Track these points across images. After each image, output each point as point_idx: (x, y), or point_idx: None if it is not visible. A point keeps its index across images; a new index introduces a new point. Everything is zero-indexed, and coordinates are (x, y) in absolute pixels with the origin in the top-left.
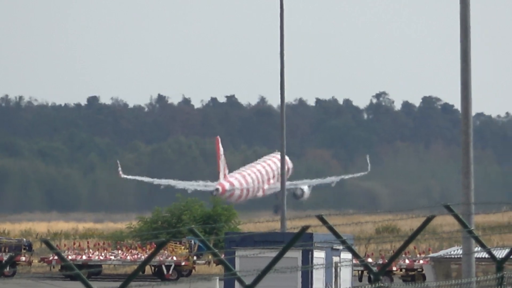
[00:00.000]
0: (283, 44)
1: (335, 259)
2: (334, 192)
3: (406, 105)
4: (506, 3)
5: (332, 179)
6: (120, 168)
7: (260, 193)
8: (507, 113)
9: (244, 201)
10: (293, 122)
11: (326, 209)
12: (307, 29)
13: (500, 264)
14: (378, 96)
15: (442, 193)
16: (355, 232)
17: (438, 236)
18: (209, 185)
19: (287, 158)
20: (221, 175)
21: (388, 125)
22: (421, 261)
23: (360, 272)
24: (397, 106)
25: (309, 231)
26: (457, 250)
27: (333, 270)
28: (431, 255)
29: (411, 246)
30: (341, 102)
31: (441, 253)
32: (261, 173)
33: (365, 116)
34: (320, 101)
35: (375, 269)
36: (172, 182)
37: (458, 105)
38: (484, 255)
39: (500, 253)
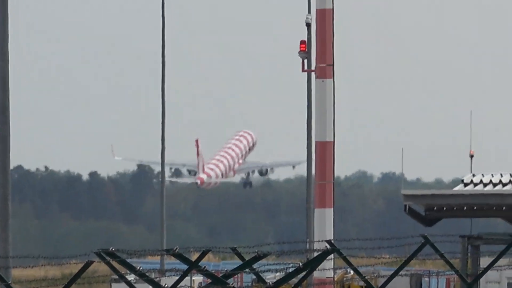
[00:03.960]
0: None
1: None
2: None
3: None
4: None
5: (296, 161)
6: None
7: (231, 174)
8: (46, 167)
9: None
10: None
11: None
12: None
13: None
14: None
15: None
16: None
17: None
18: (188, 165)
19: (251, 132)
20: (200, 170)
21: None
22: None
23: None
24: None
25: None
26: None
27: None
28: None
29: None
30: None
31: None
32: (232, 156)
33: None
34: None
35: None
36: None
37: None
38: None
39: None
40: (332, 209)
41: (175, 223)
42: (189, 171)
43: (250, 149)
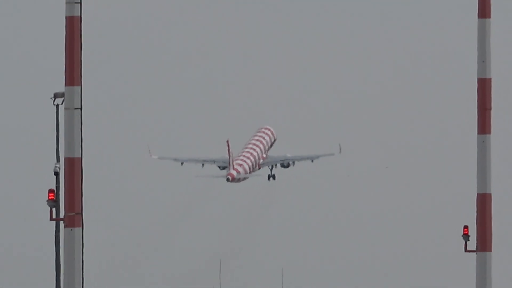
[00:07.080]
0: None
1: None
2: None
3: None
4: None
5: (311, 155)
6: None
7: (256, 168)
8: None
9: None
10: None
11: None
12: None
13: None
14: None
15: None
16: None
17: None
18: (217, 161)
19: (271, 128)
20: (230, 167)
21: None
22: None
23: None
24: None
25: None
26: None
27: None
28: None
29: None
30: None
31: None
32: (257, 152)
33: None
34: None
35: None
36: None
37: None
38: None
39: None
40: None
41: None
42: (219, 167)
43: (272, 144)
